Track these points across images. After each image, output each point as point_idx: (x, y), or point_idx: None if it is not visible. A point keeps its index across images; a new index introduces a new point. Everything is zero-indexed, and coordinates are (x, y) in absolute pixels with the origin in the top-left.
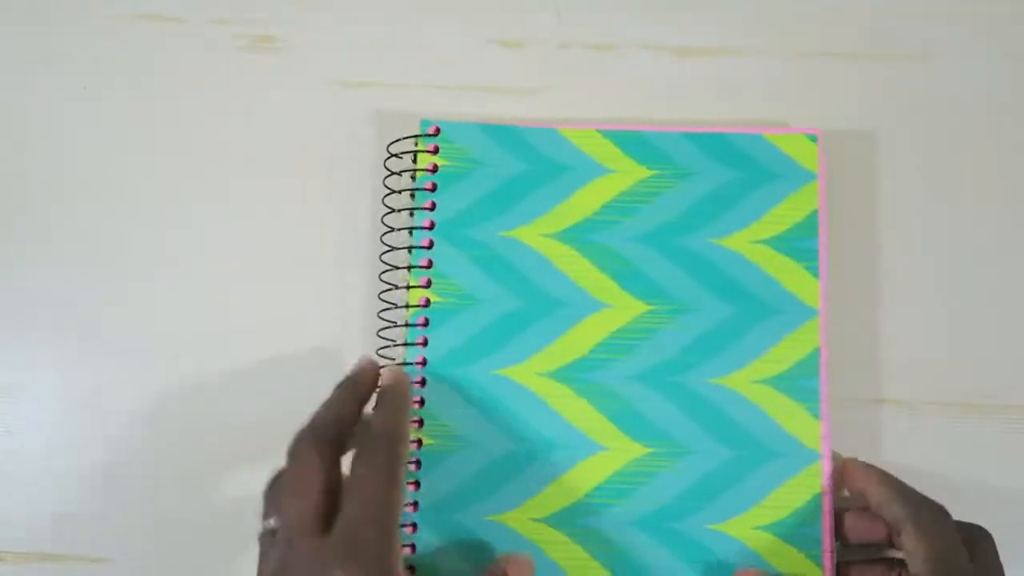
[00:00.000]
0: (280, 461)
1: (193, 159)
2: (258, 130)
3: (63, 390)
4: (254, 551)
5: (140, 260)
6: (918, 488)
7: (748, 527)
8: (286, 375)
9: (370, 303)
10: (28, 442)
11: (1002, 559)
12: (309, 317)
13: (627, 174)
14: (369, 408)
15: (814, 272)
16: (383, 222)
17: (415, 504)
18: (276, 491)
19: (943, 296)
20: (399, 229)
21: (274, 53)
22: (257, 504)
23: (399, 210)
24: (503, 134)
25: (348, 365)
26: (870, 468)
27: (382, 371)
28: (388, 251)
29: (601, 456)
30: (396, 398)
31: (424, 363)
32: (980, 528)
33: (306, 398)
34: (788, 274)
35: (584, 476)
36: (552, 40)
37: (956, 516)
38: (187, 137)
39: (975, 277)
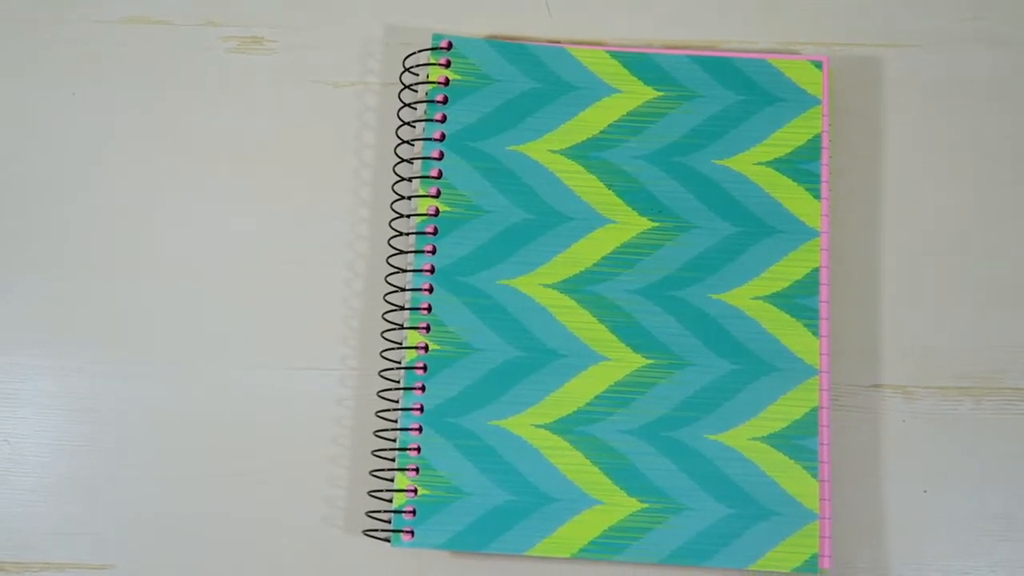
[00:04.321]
0: (280, 466)
1: (184, 161)
2: (249, 131)
3: (61, 397)
4: (254, 556)
5: (134, 264)
6: (915, 472)
7: (745, 438)
8: (287, 378)
9: (375, 295)
10: (27, 450)
11: (999, 537)
12: (310, 317)
13: (634, 95)
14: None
15: (816, 194)
16: (397, 134)
17: (420, 407)
18: None
19: (940, 270)
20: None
21: (264, 54)
22: (257, 509)
23: (412, 123)
24: (513, 51)
25: (350, 365)
26: None
27: None
28: (399, 181)
29: (603, 366)
30: None
31: (432, 270)
32: None
33: (306, 401)
34: (790, 195)
35: (585, 385)
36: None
37: (953, 498)
38: (178, 139)
39: (974, 248)
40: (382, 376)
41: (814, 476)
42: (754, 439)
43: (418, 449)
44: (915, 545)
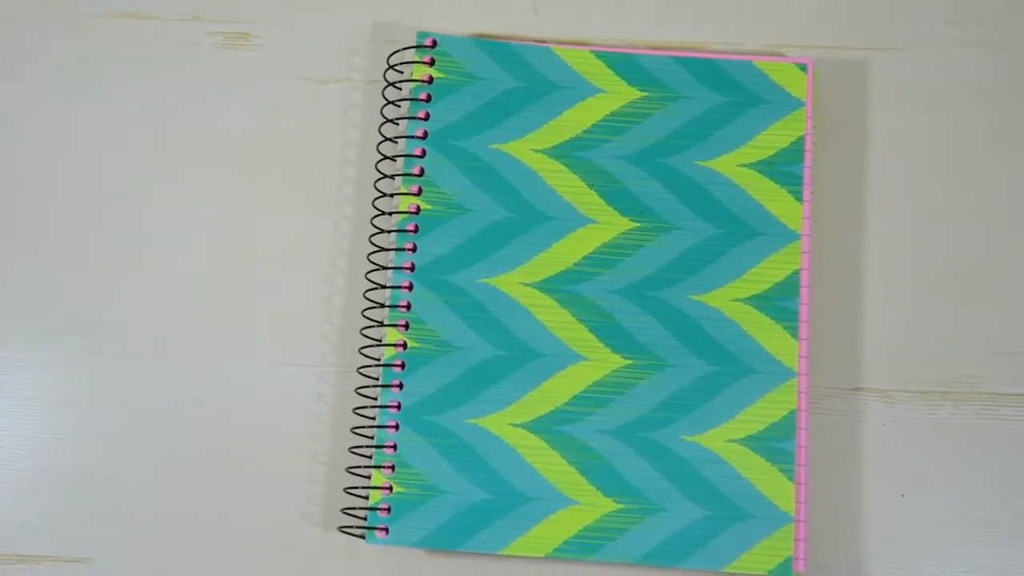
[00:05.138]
0: (259, 462)
1: (168, 157)
2: (234, 127)
3: (39, 390)
4: (232, 552)
5: (114, 258)
6: (894, 476)
7: (722, 440)
8: (268, 374)
9: (356, 292)
10: (3, 443)
11: (977, 542)
12: (292, 313)
13: (618, 95)
14: None
15: (798, 196)
16: (380, 132)
17: (398, 405)
18: None
19: (921, 275)
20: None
21: (250, 50)
22: (235, 504)
23: (396, 120)
24: (498, 50)
25: (331, 362)
26: None
27: None
28: (381, 178)
29: (581, 366)
30: None
31: (412, 268)
32: None
33: (287, 397)
34: (772, 198)
35: (564, 385)
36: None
37: (932, 502)
38: (162, 135)
39: (956, 253)
40: (361, 373)
41: (791, 479)
42: (731, 441)
43: (395, 447)
44: (892, 549)
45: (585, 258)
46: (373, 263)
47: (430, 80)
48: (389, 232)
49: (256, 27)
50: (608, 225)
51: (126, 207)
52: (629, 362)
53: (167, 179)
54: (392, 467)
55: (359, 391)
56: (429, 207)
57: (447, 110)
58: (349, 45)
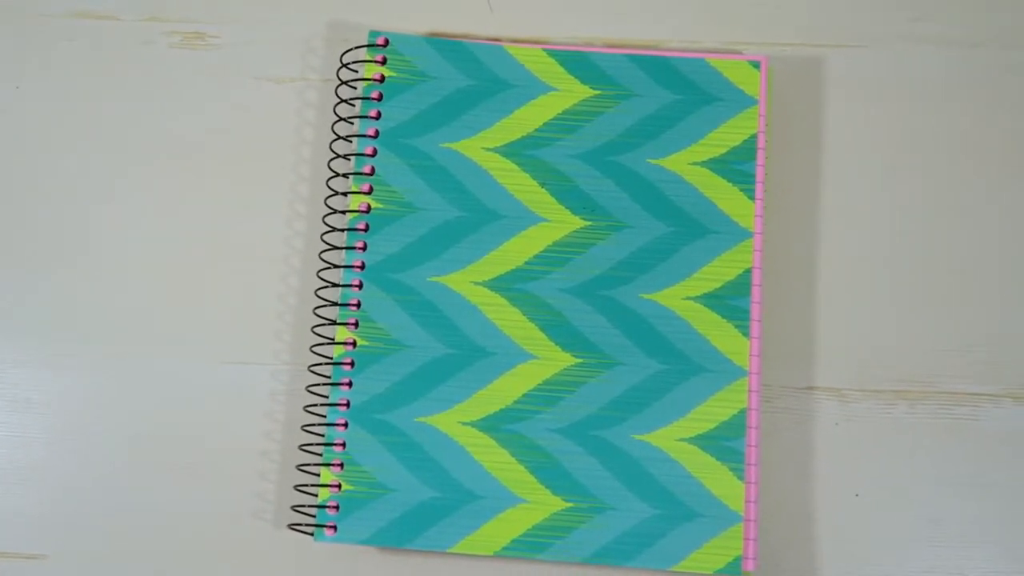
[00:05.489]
0: (212, 460)
1: (126, 156)
2: (191, 127)
3: None
4: (185, 550)
5: (73, 258)
6: (847, 476)
7: (672, 439)
8: (221, 372)
9: (309, 290)
10: None
11: (931, 542)
12: (245, 312)
13: (570, 93)
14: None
15: (750, 195)
16: (333, 130)
17: (347, 403)
18: None
19: (877, 271)
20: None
21: (206, 50)
22: (189, 502)
23: (349, 119)
24: (450, 48)
25: (283, 360)
26: None
27: None
28: (333, 176)
29: (531, 364)
30: None
31: (363, 267)
32: None
33: (240, 395)
34: (724, 196)
35: (513, 383)
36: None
37: (886, 502)
38: (120, 134)
39: (910, 252)
40: (312, 371)
41: (740, 478)
42: (681, 440)
43: (344, 444)
44: (844, 549)
45: (536, 256)
46: (325, 261)
47: (382, 79)
48: (341, 231)
49: (213, 27)
50: (559, 223)
51: (83, 206)
52: (579, 360)
53: (121, 177)
54: (341, 465)
55: (310, 389)
56: (380, 206)
57: (398, 109)
58: (305, 44)
